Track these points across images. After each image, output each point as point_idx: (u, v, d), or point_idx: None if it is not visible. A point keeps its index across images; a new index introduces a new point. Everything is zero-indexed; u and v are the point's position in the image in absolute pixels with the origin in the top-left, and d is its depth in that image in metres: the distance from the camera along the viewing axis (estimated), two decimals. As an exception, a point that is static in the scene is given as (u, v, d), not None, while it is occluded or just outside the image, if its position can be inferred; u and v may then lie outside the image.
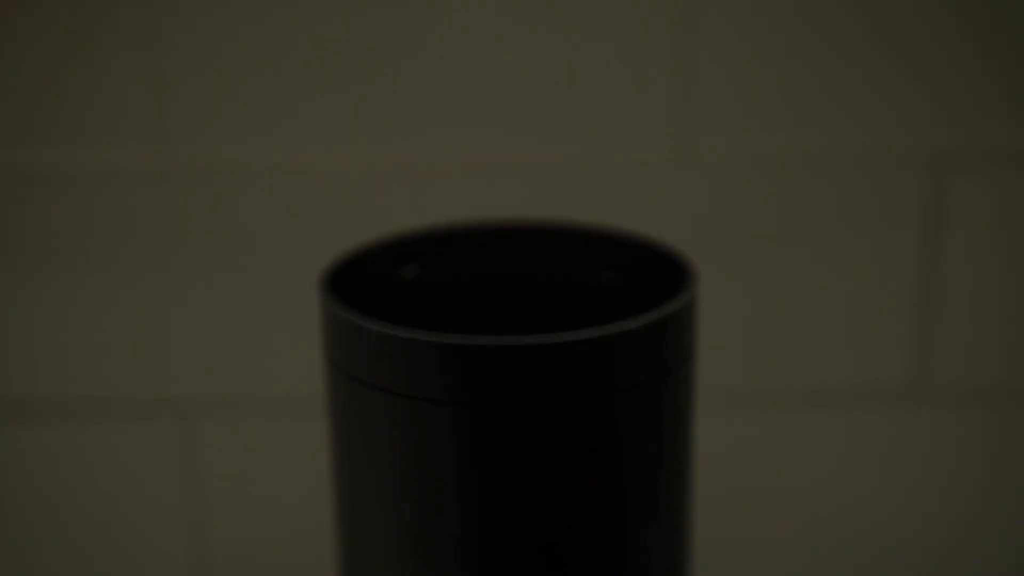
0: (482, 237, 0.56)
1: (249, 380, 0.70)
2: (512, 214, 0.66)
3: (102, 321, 0.69)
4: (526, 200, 0.66)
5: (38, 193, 0.67)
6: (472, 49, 0.65)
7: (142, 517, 0.72)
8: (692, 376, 0.50)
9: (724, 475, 0.71)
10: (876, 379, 0.71)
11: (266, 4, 0.64)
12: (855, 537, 0.74)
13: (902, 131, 0.66)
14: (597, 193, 0.66)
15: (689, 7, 0.64)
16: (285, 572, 0.73)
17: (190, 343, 0.69)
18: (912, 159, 0.67)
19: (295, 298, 0.68)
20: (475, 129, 0.66)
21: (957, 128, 0.66)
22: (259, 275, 0.68)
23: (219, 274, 0.68)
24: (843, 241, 0.68)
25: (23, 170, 0.67)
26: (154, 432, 0.71)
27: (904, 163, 0.67)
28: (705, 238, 0.67)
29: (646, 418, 0.48)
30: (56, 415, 0.71)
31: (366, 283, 0.52)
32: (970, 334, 0.70)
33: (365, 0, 0.64)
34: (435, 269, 0.55)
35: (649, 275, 0.52)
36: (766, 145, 0.66)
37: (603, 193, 0.66)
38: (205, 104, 0.65)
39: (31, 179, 0.67)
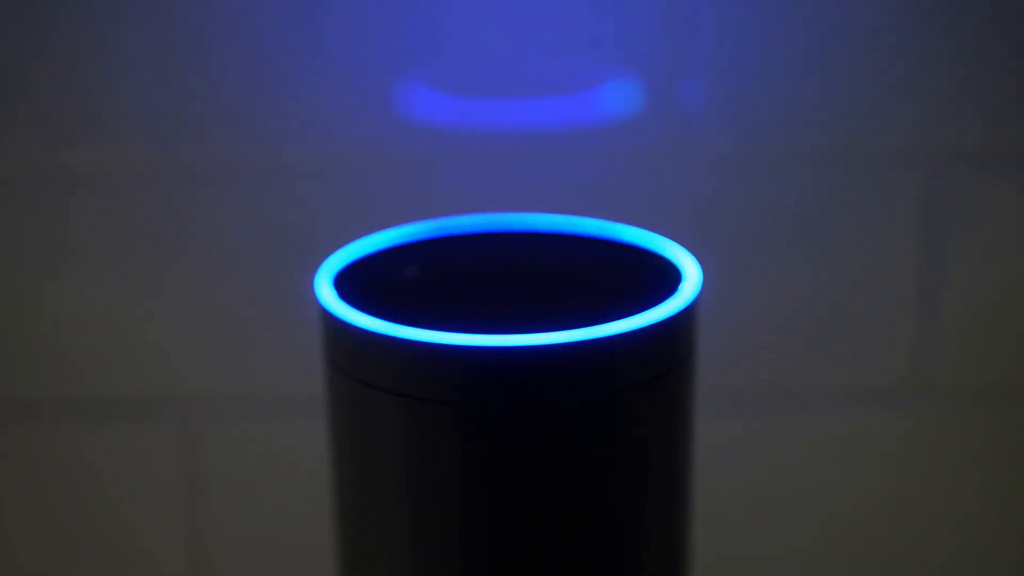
0: (482, 237, 0.56)
1: (248, 380, 0.70)
2: (511, 209, 0.66)
3: (102, 321, 0.69)
4: (524, 195, 0.66)
5: (38, 193, 0.67)
6: (469, 45, 0.65)
7: (142, 517, 0.72)
8: (692, 376, 0.50)
9: (724, 475, 0.71)
10: (876, 379, 0.70)
11: (268, 5, 0.64)
12: (855, 537, 0.74)
13: (902, 131, 0.66)
14: (596, 191, 0.66)
15: (684, 2, 0.64)
16: (285, 572, 0.73)
17: (190, 343, 0.69)
18: (911, 159, 0.67)
19: (295, 298, 0.68)
20: (474, 127, 0.66)
21: (956, 128, 0.66)
22: (259, 274, 0.68)
23: (219, 274, 0.68)
24: (843, 241, 0.68)
25: (23, 170, 0.67)
26: (154, 432, 0.71)
27: (904, 163, 0.67)
28: (705, 238, 0.67)
29: (646, 418, 0.48)
30: (56, 415, 0.70)
31: (366, 283, 0.52)
32: (970, 334, 0.70)
33: (364, 2, 0.64)
34: (435, 269, 0.54)
35: (649, 274, 0.52)
36: (766, 144, 0.66)
37: (603, 191, 0.66)
38: (206, 104, 0.65)
39: (31, 179, 0.67)
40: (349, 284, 0.51)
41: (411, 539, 0.48)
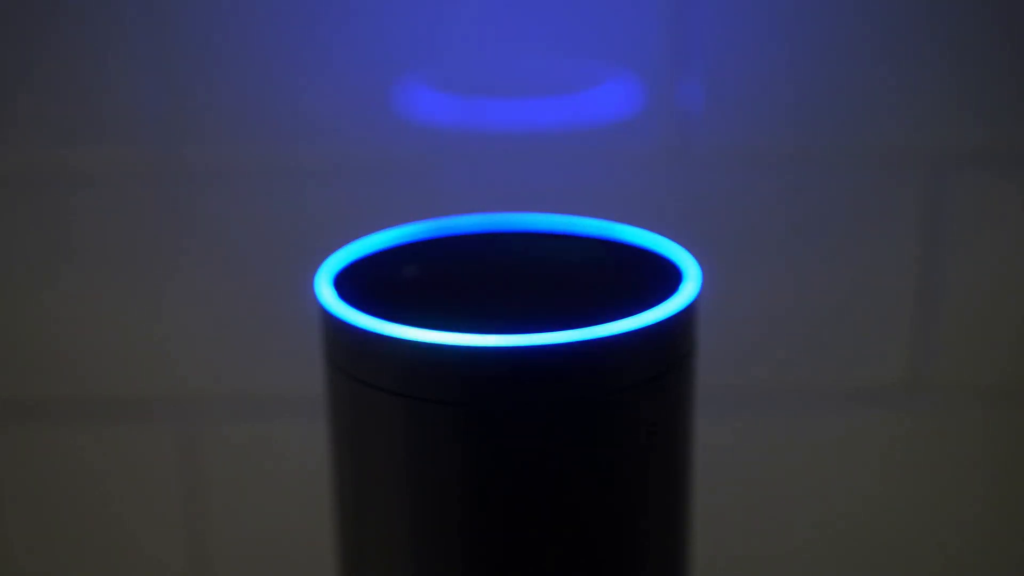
0: (482, 237, 0.56)
1: (248, 380, 0.70)
2: (511, 209, 0.66)
3: (102, 321, 0.69)
4: (524, 195, 0.66)
5: (38, 193, 0.67)
6: (469, 45, 0.65)
7: (142, 517, 0.72)
8: (692, 376, 0.50)
9: (724, 475, 0.71)
10: (876, 379, 0.70)
11: (269, 6, 0.64)
12: (855, 537, 0.74)
13: (902, 131, 0.66)
14: (596, 191, 0.66)
15: (684, 2, 0.64)
16: (285, 572, 0.73)
17: (190, 343, 0.69)
18: (911, 159, 0.67)
19: (295, 297, 0.68)
20: (474, 127, 0.66)
21: (956, 128, 0.66)
22: (259, 274, 0.68)
23: (219, 274, 0.68)
24: (842, 241, 0.68)
25: (23, 170, 0.67)
26: (154, 432, 0.71)
27: (904, 163, 0.67)
28: (705, 238, 0.67)
29: (646, 418, 0.48)
30: (56, 415, 0.70)
31: (366, 283, 0.52)
32: (970, 334, 0.70)
33: (364, 2, 0.64)
34: (435, 269, 0.54)
35: (650, 274, 0.52)
36: (766, 144, 0.66)
37: (603, 191, 0.66)
38: (206, 104, 0.65)
39: (31, 179, 0.67)
40: (349, 284, 0.51)
41: (411, 539, 0.48)
